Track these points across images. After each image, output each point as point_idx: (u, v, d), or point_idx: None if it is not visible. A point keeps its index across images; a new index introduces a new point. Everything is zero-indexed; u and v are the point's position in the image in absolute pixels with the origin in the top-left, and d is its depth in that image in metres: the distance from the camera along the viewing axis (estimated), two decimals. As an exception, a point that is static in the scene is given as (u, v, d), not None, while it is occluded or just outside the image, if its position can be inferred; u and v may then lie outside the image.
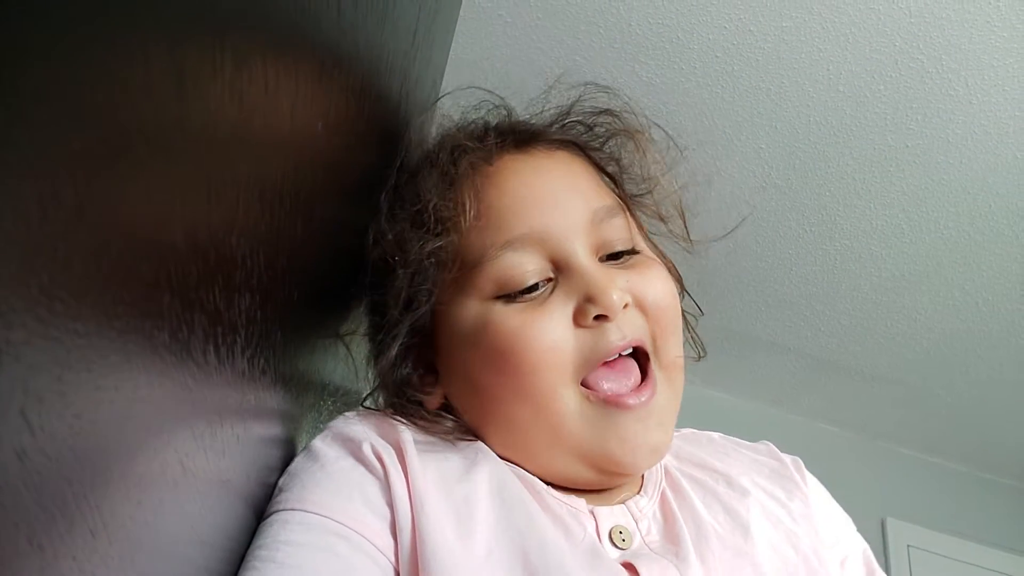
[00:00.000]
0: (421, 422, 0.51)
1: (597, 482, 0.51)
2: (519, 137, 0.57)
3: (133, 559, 0.25)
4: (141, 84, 0.19)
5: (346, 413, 0.52)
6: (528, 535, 0.44)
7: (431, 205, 0.52)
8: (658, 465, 0.56)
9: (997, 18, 1.22)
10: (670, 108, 1.35)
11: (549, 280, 0.50)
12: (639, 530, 0.49)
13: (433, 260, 0.51)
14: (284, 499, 0.44)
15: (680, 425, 0.63)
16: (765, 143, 1.46)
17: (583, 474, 0.50)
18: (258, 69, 0.26)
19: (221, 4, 0.23)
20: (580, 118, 0.60)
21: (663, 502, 0.52)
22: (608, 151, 0.60)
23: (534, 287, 0.49)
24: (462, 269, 0.51)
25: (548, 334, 0.47)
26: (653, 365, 0.50)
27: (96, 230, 0.19)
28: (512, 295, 0.49)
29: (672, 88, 1.34)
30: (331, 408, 0.60)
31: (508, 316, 0.49)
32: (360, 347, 0.59)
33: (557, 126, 0.60)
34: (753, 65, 1.35)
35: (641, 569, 0.44)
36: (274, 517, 0.43)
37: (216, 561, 0.38)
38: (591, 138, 0.60)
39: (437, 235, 0.51)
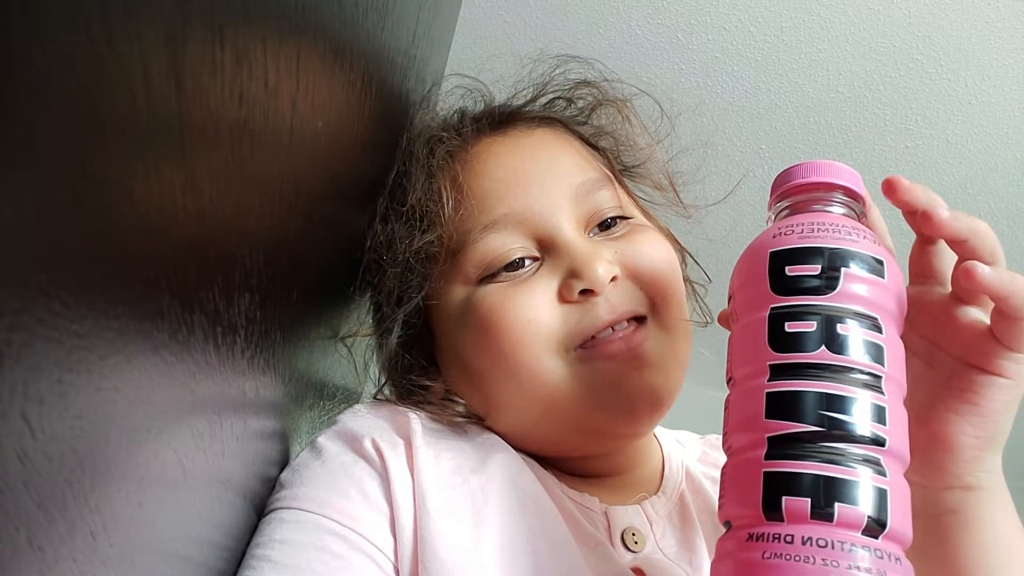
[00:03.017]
0: (431, 407, 0.51)
1: (603, 452, 0.51)
2: (496, 119, 0.56)
3: (134, 560, 0.25)
4: (140, 82, 0.19)
5: (355, 406, 0.51)
6: (539, 533, 0.43)
7: (415, 200, 0.52)
8: (679, 465, 0.55)
9: (997, 18, 1.22)
10: (670, 108, 1.34)
11: (536, 259, 0.49)
12: (653, 532, 0.48)
13: (421, 256, 0.51)
14: (283, 496, 0.44)
15: (681, 426, 0.62)
16: (765, 144, 1.46)
17: (586, 444, 0.49)
18: (258, 67, 0.26)
19: (221, 1, 0.23)
20: (559, 93, 0.59)
21: (681, 504, 0.52)
22: (596, 125, 0.59)
23: (519, 264, 0.48)
24: (449, 259, 0.50)
25: (528, 308, 0.46)
26: (648, 321, 0.48)
27: (95, 230, 0.18)
28: (496, 273, 0.49)
29: (672, 88, 1.34)
30: (330, 407, 0.60)
31: (490, 294, 0.48)
32: (360, 348, 0.59)
33: (535, 104, 0.59)
34: (753, 65, 1.35)
35: (650, 575, 0.44)
36: (272, 515, 0.43)
37: (218, 560, 0.38)
38: (575, 112, 0.59)
39: (423, 231, 0.51)
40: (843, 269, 0.34)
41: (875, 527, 0.31)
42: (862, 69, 1.33)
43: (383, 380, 0.56)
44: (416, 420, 0.48)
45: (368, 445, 0.45)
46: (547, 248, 0.49)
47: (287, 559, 0.40)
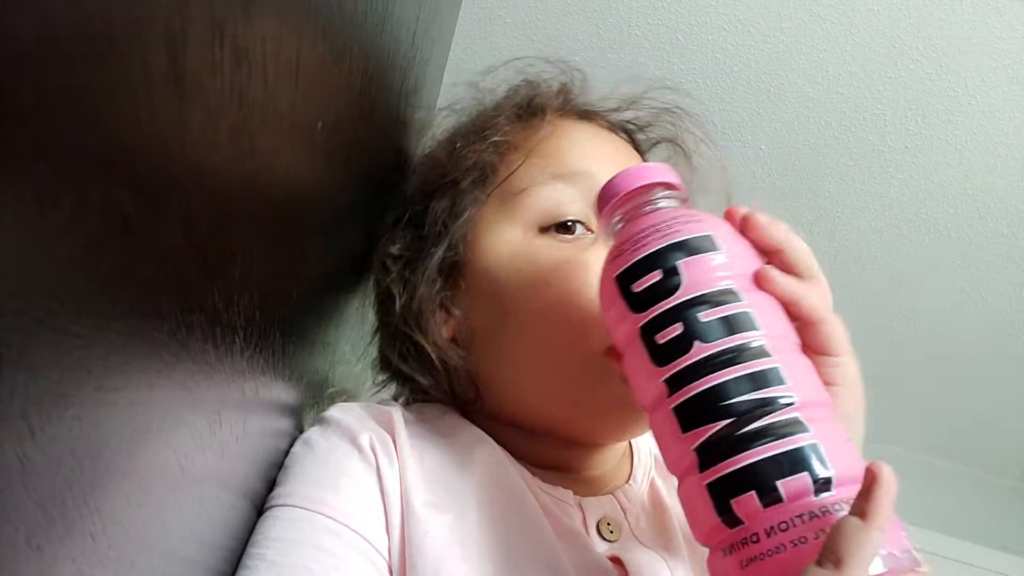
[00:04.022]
0: (423, 381, 0.51)
1: (590, 438, 0.51)
2: (582, 110, 0.59)
3: (133, 561, 0.25)
4: (141, 82, 0.19)
5: (340, 403, 0.51)
6: (520, 528, 0.44)
7: (498, 124, 0.54)
8: (647, 453, 0.56)
9: (997, 19, 1.22)
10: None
11: (589, 231, 0.50)
12: (627, 521, 0.49)
13: (488, 168, 0.53)
14: (277, 494, 0.44)
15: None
16: (764, 144, 1.46)
17: (578, 423, 0.50)
18: (258, 67, 0.26)
19: (221, 1, 0.23)
20: (638, 115, 0.61)
21: (652, 491, 0.52)
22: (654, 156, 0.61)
23: (573, 227, 0.50)
24: (507, 193, 0.52)
25: (593, 274, 0.47)
26: None
27: (94, 231, 0.18)
28: (552, 229, 0.50)
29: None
30: (329, 407, 0.60)
31: (554, 249, 0.49)
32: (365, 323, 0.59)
33: (616, 114, 0.61)
34: (752, 66, 1.35)
35: (628, 562, 0.44)
36: (268, 513, 0.43)
37: (218, 560, 0.38)
38: (642, 139, 0.61)
39: (499, 151, 0.53)
40: (678, 263, 0.35)
41: (823, 483, 0.31)
42: (862, 70, 1.33)
43: (408, 302, 0.54)
44: (399, 419, 0.48)
45: (364, 440, 0.46)
46: None
47: (282, 557, 0.40)
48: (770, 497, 0.31)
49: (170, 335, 0.24)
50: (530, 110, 0.56)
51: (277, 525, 0.42)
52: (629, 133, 0.60)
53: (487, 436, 0.49)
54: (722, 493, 0.32)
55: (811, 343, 0.39)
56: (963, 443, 2.19)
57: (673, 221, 0.37)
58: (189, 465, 0.29)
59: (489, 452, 0.48)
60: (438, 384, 0.52)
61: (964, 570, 2.02)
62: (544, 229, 0.50)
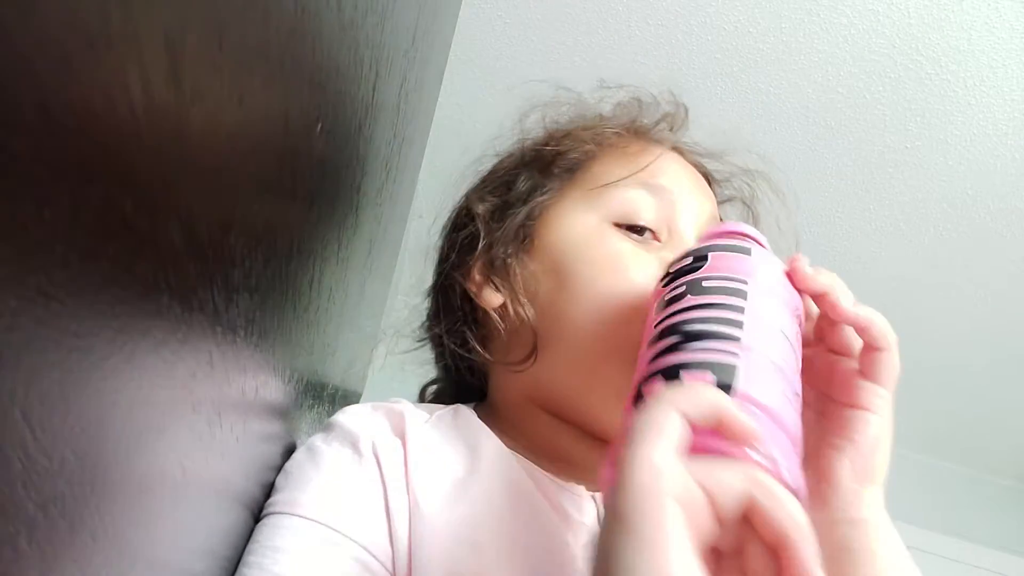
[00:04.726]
0: (477, 344, 0.54)
1: (604, 438, 0.51)
2: (677, 144, 0.63)
3: (134, 562, 0.25)
4: (139, 84, 0.19)
5: (348, 407, 0.51)
6: (529, 525, 0.44)
7: (603, 126, 0.60)
8: None
9: (996, 20, 1.22)
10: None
11: (656, 240, 0.53)
12: None
13: (584, 155, 0.57)
14: (276, 501, 0.44)
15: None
16: (764, 144, 1.46)
17: (597, 414, 0.51)
18: (257, 69, 0.26)
19: (220, 1, 0.23)
20: (719, 168, 0.65)
21: None
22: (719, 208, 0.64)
23: (643, 231, 0.53)
24: (594, 183, 0.55)
25: (649, 270, 0.50)
26: None
27: (93, 230, 0.18)
28: (625, 227, 0.53)
29: (671, 89, 1.34)
30: (330, 409, 0.60)
31: (621, 242, 0.52)
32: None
33: (701, 158, 0.64)
34: (752, 66, 1.35)
35: None
36: (266, 520, 0.43)
37: (219, 570, 0.38)
38: (716, 190, 0.64)
39: (598, 145, 0.58)
40: (710, 254, 0.41)
41: (725, 389, 0.33)
42: (861, 70, 1.33)
43: (488, 250, 0.57)
44: (410, 418, 0.48)
45: (365, 447, 0.45)
46: (673, 236, 0.54)
47: (280, 567, 0.39)
48: (673, 382, 0.34)
49: (170, 335, 0.24)
50: (634, 127, 0.61)
51: (276, 534, 0.41)
52: (707, 177, 0.63)
53: (493, 434, 0.50)
54: (641, 383, 0.36)
55: (868, 367, 0.42)
56: (963, 443, 2.19)
57: (733, 239, 0.43)
58: (190, 465, 0.29)
59: (496, 450, 0.48)
60: (492, 340, 0.55)
61: (963, 570, 2.02)
62: (617, 225, 0.53)
